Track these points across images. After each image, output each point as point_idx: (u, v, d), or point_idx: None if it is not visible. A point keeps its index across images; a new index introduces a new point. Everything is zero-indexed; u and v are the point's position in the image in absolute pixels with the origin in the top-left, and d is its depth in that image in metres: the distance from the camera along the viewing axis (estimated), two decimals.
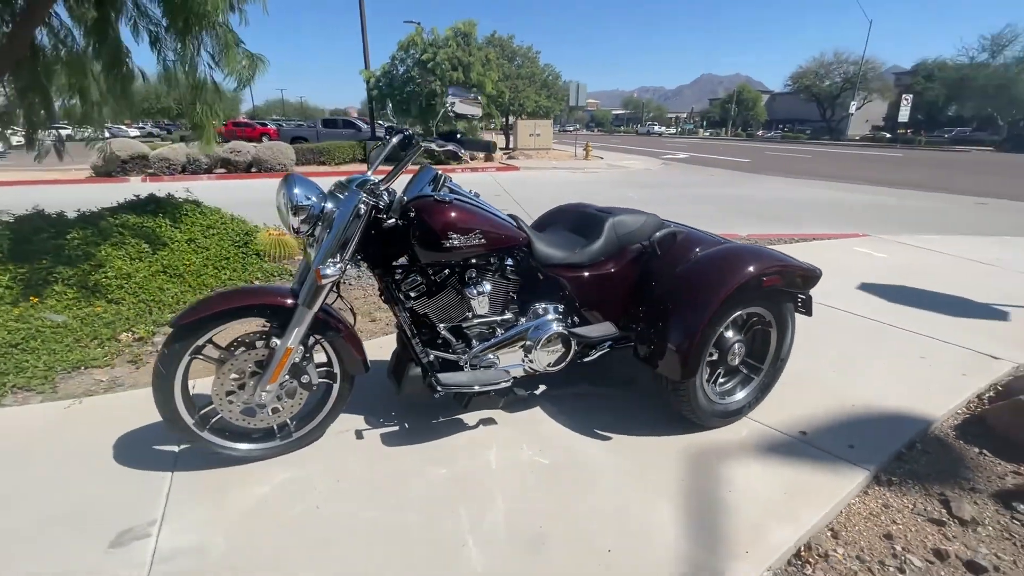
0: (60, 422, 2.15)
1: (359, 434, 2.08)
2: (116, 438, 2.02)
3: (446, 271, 1.94)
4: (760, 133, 48.61)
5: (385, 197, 1.79)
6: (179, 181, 11.33)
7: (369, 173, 1.97)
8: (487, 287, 1.96)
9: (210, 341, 1.74)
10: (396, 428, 2.12)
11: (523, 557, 1.50)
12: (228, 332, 1.80)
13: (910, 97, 28.96)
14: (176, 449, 1.96)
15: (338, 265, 1.68)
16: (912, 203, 9.03)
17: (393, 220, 1.83)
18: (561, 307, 2.13)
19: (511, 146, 22.06)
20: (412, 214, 1.81)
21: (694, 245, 2.18)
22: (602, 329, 2.15)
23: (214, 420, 1.82)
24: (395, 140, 2.07)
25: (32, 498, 1.71)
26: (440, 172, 1.90)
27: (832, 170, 15.54)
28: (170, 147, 12.75)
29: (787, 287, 2.07)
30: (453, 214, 1.83)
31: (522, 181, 12.06)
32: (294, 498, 1.72)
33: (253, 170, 12.91)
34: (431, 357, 1.97)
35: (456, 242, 1.82)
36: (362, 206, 1.71)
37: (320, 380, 1.92)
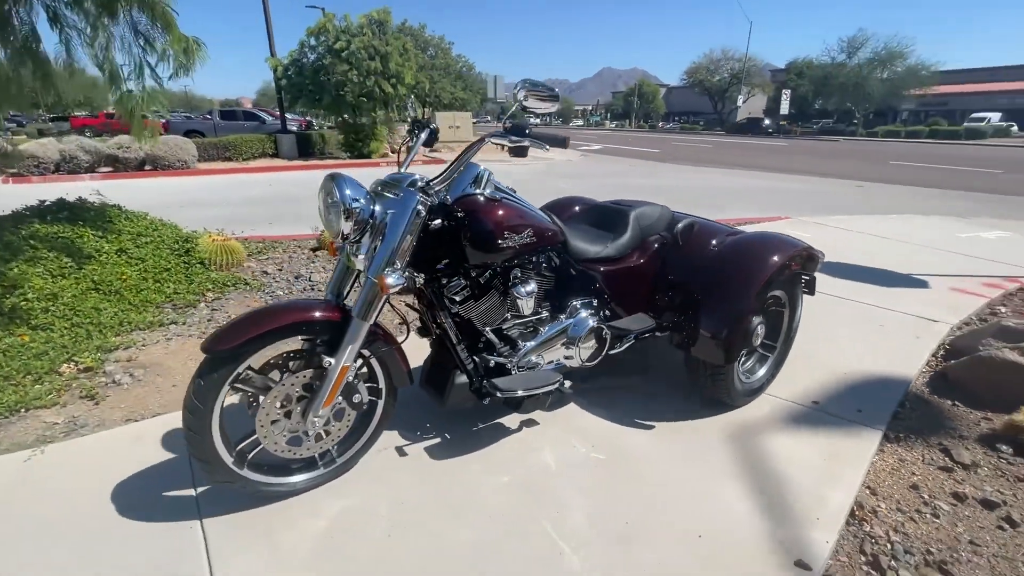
0: (25, 478, 1.79)
1: (401, 451, 1.95)
2: (112, 488, 1.72)
3: (490, 272, 1.87)
4: (660, 125, 51.93)
5: (436, 198, 1.68)
6: (55, 183, 9.79)
7: (402, 170, 1.84)
8: (532, 286, 1.91)
9: (249, 367, 1.53)
10: (438, 440, 2.01)
11: (620, 555, 1.50)
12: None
13: (789, 92, 32.51)
14: (193, 492, 1.71)
15: (400, 272, 1.55)
16: (812, 187, 10.14)
17: (439, 221, 1.72)
18: (595, 301, 2.14)
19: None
20: (460, 214, 1.72)
21: (709, 234, 2.29)
22: (638, 321, 2.19)
23: (252, 455, 1.61)
24: (424, 136, 1.96)
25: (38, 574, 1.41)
26: (484, 169, 1.81)
27: (734, 159, 16.98)
28: (38, 143, 10.91)
29: (803, 270, 2.24)
30: (503, 212, 1.77)
31: None
32: (360, 529, 1.58)
33: (147, 168, 11.47)
34: (475, 363, 1.89)
35: (509, 241, 1.75)
36: (420, 208, 1.59)
37: (368, 398, 1.77)
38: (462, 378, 1.88)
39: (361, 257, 1.61)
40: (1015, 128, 33.42)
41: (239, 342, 1.45)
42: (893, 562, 1.51)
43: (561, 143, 1.83)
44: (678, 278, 2.20)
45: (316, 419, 1.61)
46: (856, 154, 19.45)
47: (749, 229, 5.81)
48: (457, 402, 1.89)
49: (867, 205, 7.91)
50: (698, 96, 48.25)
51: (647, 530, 1.58)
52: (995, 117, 35.40)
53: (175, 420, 1.88)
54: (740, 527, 1.60)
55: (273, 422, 1.59)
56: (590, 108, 74.34)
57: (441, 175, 1.75)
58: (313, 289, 3.73)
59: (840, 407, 2.24)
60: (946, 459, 1.97)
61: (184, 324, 3.12)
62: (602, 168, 14.19)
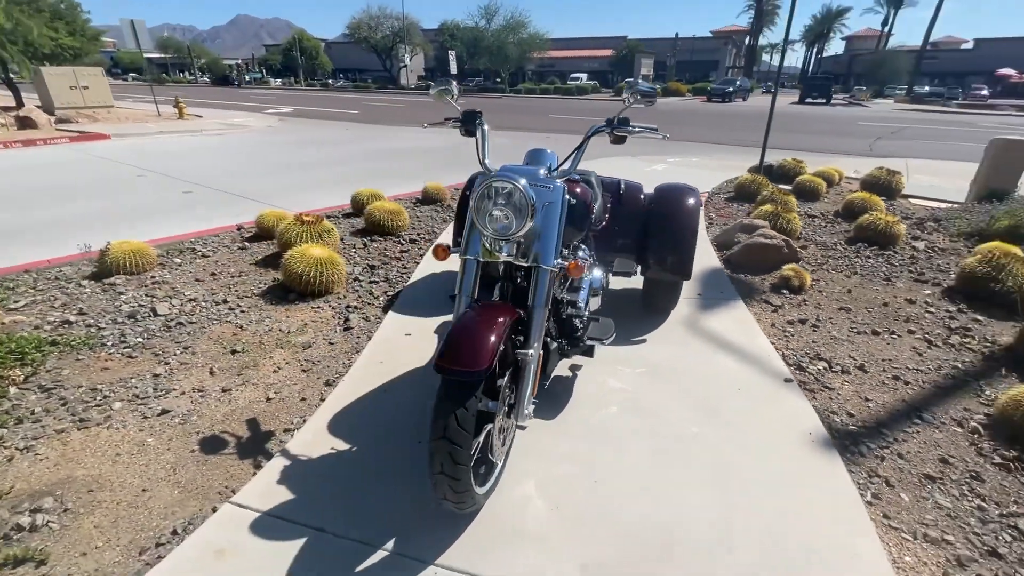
0: None
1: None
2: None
3: (574, 243, 2.13)
4: (331, 82, 49.72)
5: None
6: None
7: (486, 161, 1.87)
8: (587, 251, 2.27)
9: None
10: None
11: (704, 403, 2.19)
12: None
13: (454, 53, 35.89)
14: None
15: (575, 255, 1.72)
16: (513, 141, 12.14)
17: None
18: (593, 254, 2.63)
19: (40, 105, 15.44)
20: (572, 197, 1.91)
21: (635, 190, 3.01)
22: (625, 264, 2.79)
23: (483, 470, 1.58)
24: (486, 127, 1.99)
25: None
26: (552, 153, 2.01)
27: (430, 116, 18.15)
28: None
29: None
30: (589, 192, 2.06)
31: (148, 152, 9.22)
32: (573, 483, 1.79)
33: None
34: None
35: (598, 215, 2.07)
36: (567, 195, 1.75)
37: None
38: (553, 344, 2.14)
39: (506, 252, 1.68)
40: (596, 84, 45.53)
41: (490, 357, 1.41)
42: (802, 362, 2.67)
43: (654, 131, 2.17)
44: (633, 225, 2.87)
45: (527, 411, 1.67)
46: (520, 109, 23.51)
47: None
48: (552, 369, 2.15)
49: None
50: (364, 53, 48.02)
51: (700, 381, 2.33)
52: (584, 77, 47.76)
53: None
54: (728, 366, 2.51)
55: (501, 430, 1.59)
56: (242, 63, 64.50)
57: (563, 163, 1.88)
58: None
59: (712, 292, 3.42)
60: (769, 305, 3.35)
61: None
62: (315, 134, 13.23)
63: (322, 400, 2.28)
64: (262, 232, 4.27)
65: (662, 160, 8.90)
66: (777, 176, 6.93)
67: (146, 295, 3.19)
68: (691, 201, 2.91)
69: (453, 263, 3.15)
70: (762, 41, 60.72)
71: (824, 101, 32.33)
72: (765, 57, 69.34)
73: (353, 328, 2.91)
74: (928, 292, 3.59)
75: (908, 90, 35.70)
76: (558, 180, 1.76)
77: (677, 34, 47.18)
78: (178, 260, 3.80)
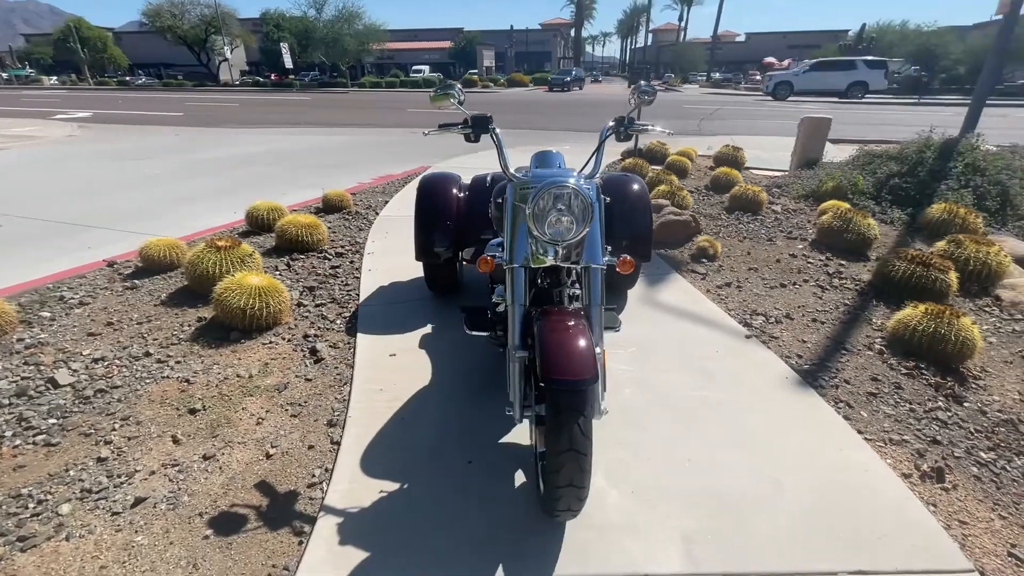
0: None
1: None
2: None
3: None
4: (130, 80, 41.90)
5: None
6: None
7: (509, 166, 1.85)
8: None
9: None
10: None
11: (696, 361, 2.46)
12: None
13: (286, 45, 32.62)
14: None
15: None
16: (389, 139, 11.70)
17: None
18: None
19: None
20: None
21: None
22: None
23: None
24: (500, 133, 1.95)
25: None
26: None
27: (274, 117, 16.59)
28: None
29: None
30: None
31: None
32: (630, 466, 1.89)
33: None
34: None
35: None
36: (602, 196, 1.80)
37: None
38: None
39: (554, 254, 1.70)
40: (441, 77, 45.47)
41: (595, 361, 1.42)
42: (746, 319, 3.11)
43: (663, 130, 2.24)
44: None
45: (603, 406, 1.71)
46: (372, 105, 22.55)
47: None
48: None
49: (451, 149, 10.12)
50: (169, 45, 41.44)
51: (682, 350, 2.60)
52: (426, 69, 47.33)
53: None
54: (698, 332, 2.84)
55: None
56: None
57: (586, 165, 1.91)
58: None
59: (648, 269, 3.76)
60: (696, 273, 3.79)
61: None
62: (146, 142, 11.29)
63: (335, 443, 2.05)
64: (151, 265, 3.57)
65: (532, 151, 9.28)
66: (647, 158, 7.72)
67: (26, 363, 2.50)
68: (639, 187, 3.15)
69: (407, 272, 3.00)
70: (584, 33, 66.14)
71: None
72: (589, 49, 75.62)
73: (325, 359, 2.63)
74: (800, 247, 4.37)
75: (707, 76, 41.93)
76: (585, 181, 1.81)
77: (512, 26, 49.13)
78: (46, 314, 3.02)
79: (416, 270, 3.63)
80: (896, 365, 2.69)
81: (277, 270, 3.69)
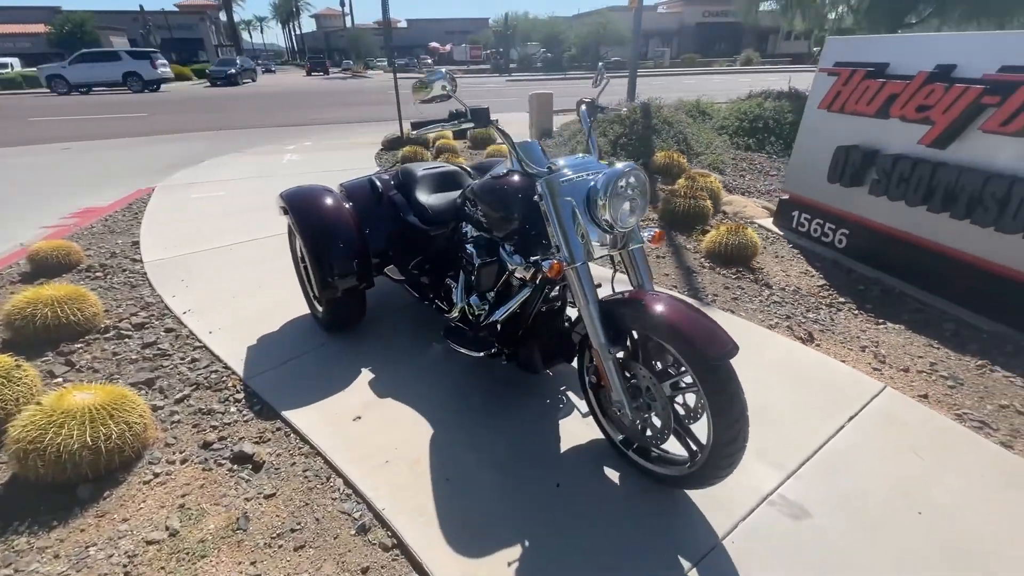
0: None
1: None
2: None
3: None
4: None
5: None
6: None
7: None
8: None
9: None
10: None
11: None
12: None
13: None
14: None
15: None
16: (36, 159, 8.34)
17: None
18: None
19: None
20: None
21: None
22: None
23: None
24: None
25: None
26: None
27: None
28: None
29: None
30: None
31: None
32: None
33: None
34: None
35: None
36: None
37: None
38: None
39: (607, 246, 1.69)
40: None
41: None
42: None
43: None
44: None
45: None
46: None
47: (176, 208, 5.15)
48: None
49: (169, 158, 7.89)
50: None
51: None
52: (16, 63, 34.52)
53: None
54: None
55: None
56: None
57: (592, 151, 1.87)
58: None
59: None
60: None
61: None
62: None
63: (397, 547, 1.57)
64: None
65: (279, 152, 8.12)
66: (413, 143, 7.66)
67: None
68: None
69: (263, 319, 2.43)
70: (236, 17, 58.57)
71: (324, 74, 35.98)
72: (247, 35, 67.66)
73: (265, 460, 1.91)
74: None
75: (389, 62, 42.92)
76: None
77: (142, 7, 39.61)
78: None
79: (279, 312, 2.90)
80: (726, 274, 3.57)
81: (53, 376, 2.37)
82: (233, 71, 28.84)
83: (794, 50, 38.29)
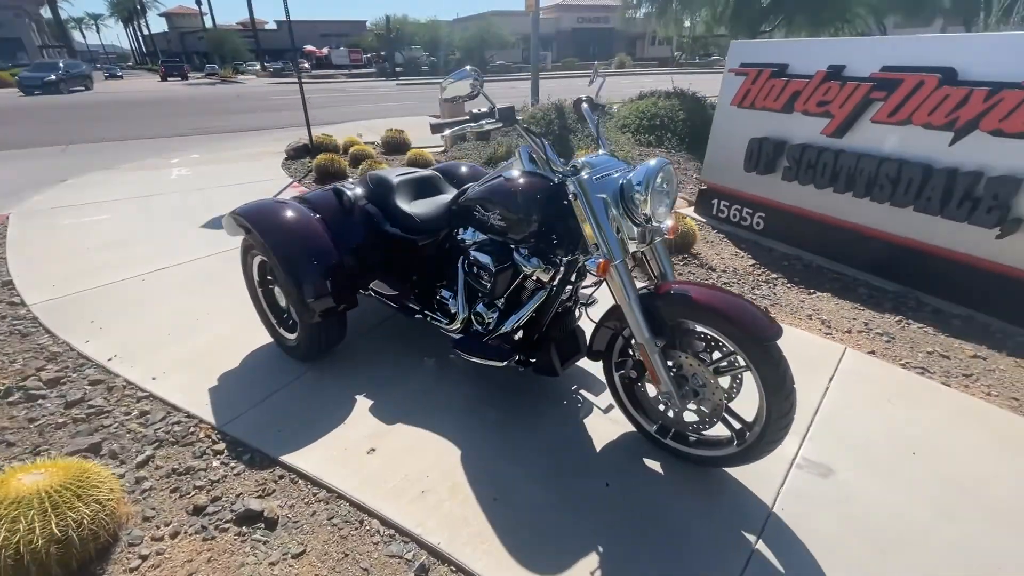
0: None
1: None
2: None
3: None
4: None
5: None
6: None
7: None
8: None
9: None
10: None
11: None
12: None
13: None
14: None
15: None
16: None
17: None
18: None
19: None
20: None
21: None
22: None
23: None
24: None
25: None
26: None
27: None
28: None
29: None
30: None
31: None
32: None
33: None
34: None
35: None
36: None
37: None
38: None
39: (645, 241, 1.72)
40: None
41: None
42: None
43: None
44: None
45: None
46: None
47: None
48: None
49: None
50: None
51: None
52: None
53: None
54: None
55: None
56: None
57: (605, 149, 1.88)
58: None
59: None
60: None
61: None
62: None
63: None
64: None
65: (163, 167, 7.14)
66: (325, 149, 7.14)
67: None
68: (469, 169, 3.13)
69: (219, 352, 2.25)
70: (63, 14, 50.64)
71: (182, 80, 32.53)
72: (78, 35, 58.82)
73: (278, 516, 1.66)
74: None
75: (262, 66, 39.62)
76: None
77: None
78: None
79: (234, 345, 2.58)
80: (676, 261, 3.80)
81: None
82: (54, 77, 22.41)
83: (660, 54, 41.95)
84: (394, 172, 2.54)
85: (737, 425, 1.69)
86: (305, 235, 2.20)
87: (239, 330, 2.68)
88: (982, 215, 2.98)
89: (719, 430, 1.74)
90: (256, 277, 2.49)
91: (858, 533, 1.59)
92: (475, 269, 2.07)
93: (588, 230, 1.66)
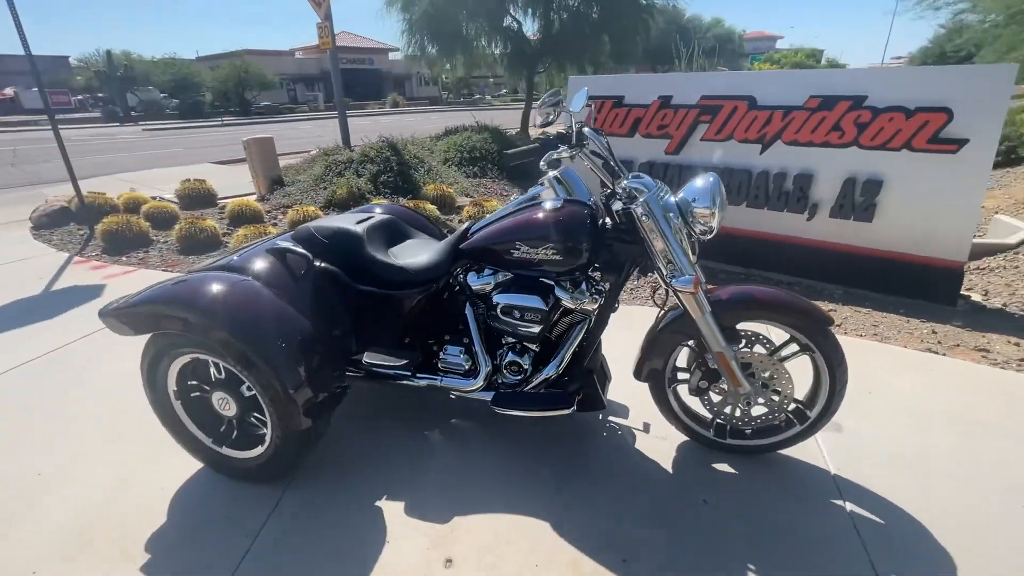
0: None
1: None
2: None
3: None
4: None
5: None
6: None
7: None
8: None
9: None
10: None
11: None
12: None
13: None
14: None
15: None
16: None
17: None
18: None
19: None
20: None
21: None
22: None
23: None
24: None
25: None
26: None
27: None
28: None
29: None
30: None
31: None
32: None
33: None
34: None
35: None
36: None
37: None
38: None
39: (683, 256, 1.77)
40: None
41: None
42: None
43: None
44: None
45: None
46: None
47: None
48: None
49: None
50: None
51: None
52: None
53: None
54: None
55: None
56: None
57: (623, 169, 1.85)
58: None
59: None
60: None
61: None
62: None
63: None
64: None
65: None
66: (97, 213, 5.47)
67: None
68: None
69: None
70: None
71: None
72: None
73: None
74: None
75: None
76: None
77: None
78: None
79: (142, 482, 1.83)
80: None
81: None
82: None
83: (429, 94, 44.18)
84: (346, 220, 2.10)
85: (792, 407, 1.85)
86: (274, 311, 1.65)
87: (145, 462, 1.86)
88: (794, 204, 3.90)
89: (770, 417, 1.88)
90: (173, 387, 1.76)
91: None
92: (512, 313, 1.83)
93: (661, 246, 1.64)
